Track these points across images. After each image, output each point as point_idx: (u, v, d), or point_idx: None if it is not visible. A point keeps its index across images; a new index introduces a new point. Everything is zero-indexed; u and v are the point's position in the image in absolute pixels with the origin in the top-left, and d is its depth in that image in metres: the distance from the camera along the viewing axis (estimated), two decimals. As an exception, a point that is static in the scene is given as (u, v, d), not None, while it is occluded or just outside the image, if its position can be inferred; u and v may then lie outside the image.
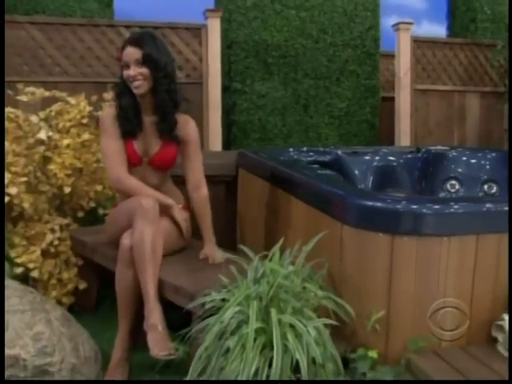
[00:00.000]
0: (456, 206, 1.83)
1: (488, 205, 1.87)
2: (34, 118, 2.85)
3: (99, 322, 2.69)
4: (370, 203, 1.85)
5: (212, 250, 2.47)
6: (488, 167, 3.66)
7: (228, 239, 2.93)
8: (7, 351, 2.04)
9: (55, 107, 2.97)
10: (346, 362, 1.83)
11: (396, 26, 4.59)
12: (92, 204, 3.05)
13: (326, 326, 1.80)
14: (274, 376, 1.62)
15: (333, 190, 2.03)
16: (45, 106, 3.03)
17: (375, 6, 4.77)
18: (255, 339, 1.68)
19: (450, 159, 3.70)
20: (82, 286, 2.85)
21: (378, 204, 1.83)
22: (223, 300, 1.82)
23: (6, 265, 2.62)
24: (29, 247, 2.72)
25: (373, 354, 1.75)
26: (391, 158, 3.62)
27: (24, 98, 3.01)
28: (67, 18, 3.96)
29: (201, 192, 2.56)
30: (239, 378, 1.62)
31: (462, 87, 4.80)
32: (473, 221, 1.82)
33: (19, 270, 2.60)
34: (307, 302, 1.79)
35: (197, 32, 4.11)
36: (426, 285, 1.82)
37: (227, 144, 4.41)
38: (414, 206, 1.81)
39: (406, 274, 1.80)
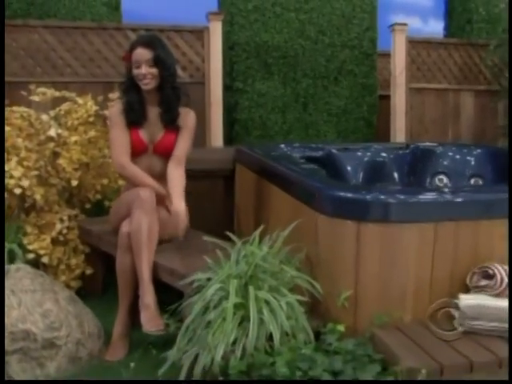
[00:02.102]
0: (416, 196, 2.04)
1: (446, 195, 2.08)
2: (44, 117, 3.11)
3: (105, 305, 2.91)
4: (340, 194, 2.06)
5: (179, 208, 2.60)
6: (474, 162, 3.84)
7: (226, 229, 3.16)
8: (20, 326, 2.29)
9: (64, 106, 3.22)
10: (319, 335, 2.04)
11: (391, 27, 4.76)
12: (98, 196, 3.30)
13: (300, 303, 2.02)
14: (250, 344, 1.84)
15: (309, 182, 2.25)
16: (55, 106, 3.28)
17: (373, 8, 4.95)
18: (234, 313, 1.91)
19: (438, 155, 3.89)
20: (89, 271, 3.09)
21: (346, 194, 2.05)
22: (208, 279, 2.05)
23: (19, 251, 2.87)
24: (40, 235, 2.97)
25: (340, 327, 1.96)
26: (381, 154, 3.81)
27: (36, 98, 3.26)
28: (77, 21, 4.20)
29: (179, 169, 2.73)
30: (219, 347, 1.84)
31: (456, 86, 4.97)
32: (431, 210, 2.03)
33: (31, 256, 2.85)
34: (283, 281, 2.01)
35: (200, 34, 4.33)
36: (389, 267, 2.03)
37: (229, 141, 4.63)
38: (377, 196, 2.02)
39: (371, 258, 2.01)
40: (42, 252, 2.90)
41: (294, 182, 2.41)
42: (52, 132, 3.05)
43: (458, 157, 3.88)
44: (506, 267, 2.04)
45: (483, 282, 2.05)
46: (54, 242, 3.00)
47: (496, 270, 2.02)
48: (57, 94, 3.31)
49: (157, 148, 2.76)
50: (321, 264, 2.14)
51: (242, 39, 4.61)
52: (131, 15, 4.74)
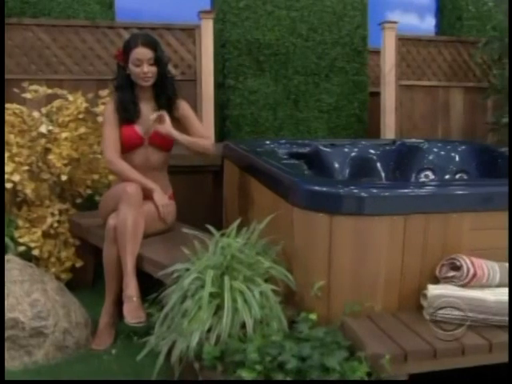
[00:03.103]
0: (386, 190, 2.12)
1: (415, 189, 2.16)
2: (36, 114, 3.20)
3: (94, 296, 3.00)
4: (312, 187, 2.15)
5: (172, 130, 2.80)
6: (460, 158, 3.90)
7: (215, 222, 3.26)
8: (8, 315, 2.39)
9: (56, 103, 3.30)
10: (295, 323, 2.12)
11: (382, 25, 4.82)
12: (89, 191, 3.39)
13: (275, 293, 2.11)
14: (224, 332, 1.93)
15: (285, 176, 2.33)
16: (49, 103, 3.36)
17: (364, 6, 5.01)
18: (210, 302, 1.99)
19: (424, 151, 3.95)
20: (79, 264, 3.18)
21: (319, 188, 2.13)
22: (187, 270, 2.13)
23: (11, 244, 2.96)
24: (31, 229, 3.06)
25: (313, 316, 2.04)
26: (367, 150, 3.88)
27: (28, 96, 3.35)
28: (71, 20, 4.28)
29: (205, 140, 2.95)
30: (194, 334, 1.93)
31: (446, 83, 5.03)
32: (401, 203, 2.11)
33: (21, 249, 2.94)
34: (258, 272, 2.09)
35: (191, 32, 4.39)
36: (360, 259, 2.11)
37: (222, 137, 4.70)
38: (348, 190, 2.10)
39: (343, 250, 2.09)
40: (32, 245, 2.99)
41: (272, 177, 2.49)
42: (43, 128, 3.14)
43: (443, 153, 3.94)
44: (474, 259, 2.12)
45: (451, 273, 2.13)
46: (45, 235, 3.09)
47: (463, 262, 2.09)
48: (49, 91, 3.40)
49: (152, 139, 2.86)
50: (296, 255, 2.22)
51: (233, 37, 4.68)
52: (125, 13, 4.81)
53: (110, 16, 4.60)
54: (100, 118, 3.32)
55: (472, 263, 2.09)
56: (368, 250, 2.09)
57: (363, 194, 2.08)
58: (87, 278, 3.27)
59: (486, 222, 2.21)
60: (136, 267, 2.55)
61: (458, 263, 2.11)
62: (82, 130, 3.21)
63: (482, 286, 2.10)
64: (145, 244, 2.67)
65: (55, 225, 3.13)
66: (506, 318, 2.03)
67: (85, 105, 3.25)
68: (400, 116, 4.91)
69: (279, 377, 1.72)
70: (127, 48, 2.82)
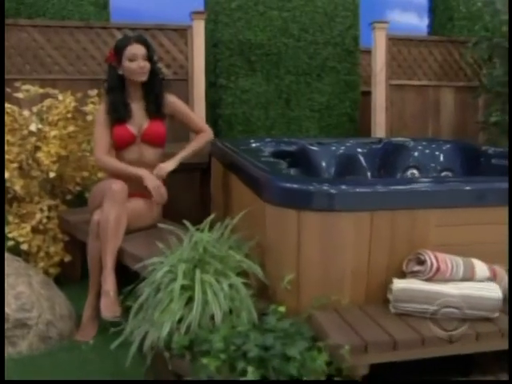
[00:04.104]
0: (352, 187, 2.19)
1: (381, 186, 2.22)
2: (26, 113, 3.29)
3: (82, 290, 3.05)
4: (282, 184, 2.22)
5: (164, 165, 2.95)
6: (445, 157, 3.96)
7: (203, 218, 3.33)
8: (-8, 306, 2.47)
9: (46, 103, 3.39)
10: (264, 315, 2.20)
11: (372, 25, 4.88)
12: (78, 188, 3.48)
13: (248, 286, 2.19)
14: (194, 323, 2.01)
15: (259, 174, 2.41)
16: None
17: (355, 7, 5.06)
18: (182, 294, 2.07)
19: (409, 149, 4.02)
20: (67, 258, 3.28)
21: (288, 185, 2.21)
22: (162, 263, 2.21)
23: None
24: (20, 224, 3.16)
25: (282, 309, 2.11)
26: (353, 148, 3.95)
27: (20, 95, 3.45)
28: (65, 20, 4.36)
29: (201, 133, 3.16)
30: (165, 325, 2.01)
31: (437, 82, 5.09)
32: (367, 200, 2.18)
33: (10, 243, 3.04)
34: (229, 266, 2.17)
35: (183, 33, 4.48)
36: (328, 253, 2.18)
37: (214, 136, 4.77)
38: (315, 186, 2.17)
39: (311, 245, 2.17)
40: (21, 239, 3.09)
41: (249, 174, 2.57)
42: (32, 127, 3.23)
43: (429, 151, 4.01)
44: (438, 254, 2.19)
45: (416, 268, 2.19)
46: (34, 230, 3.18)
47: (427, 257, 2.16)
48: (41, 90, 3.49)
49: (144, 136, 2.97)
50: (269, 250, 2.30)
51: (225, 37, 4.75)
52: (121, 13, 4.90)
53: (105, 16, 4.68)
54: (89, 117, 3.42)
55: (436, 258, 2.15)
56: (335, 245, 2.17)
57: (329, 191, 2.15)
58: (76, 272, 3.36)
59: (453, 219, 2.28)
60: (117, 261, 2.63)
61: (422, 258, 2.18)
62: (71, 128, 3.30)
63: (446, 280, 2.16)
64: (128, 239, 2.76)
65: (44, 220, 3.22)
66: (469, 311, 2.09)
67: (73, 104, 3.34)
68: (391, 115, 4.97)
69: (242, 365, 1.80)
70: (121, 46, 2.93)
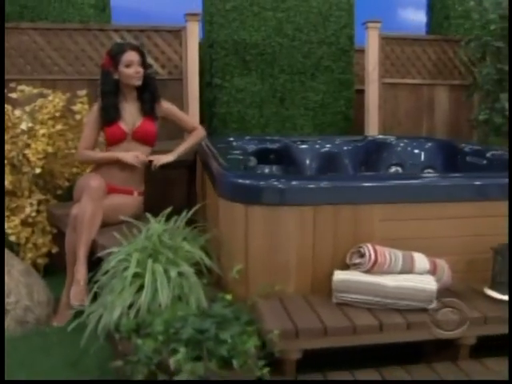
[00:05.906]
0: (295, 182, 2.31)
1: (324, 182, 2.34)
2: (17, 112, 3.50)
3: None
4: (232, 180, 2.36)
5: (164, 156, 3.19)
6: (427, 155, 4.04)
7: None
8: (-29, 292, 2.67)
9: (38, 102, 3.59)
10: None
11: (365, 25, 4.96)
12: (68, 183, 3.68)
13: (200, 275, 2.34)
14: (142, 308, 2.17)
15: (216, 170, 2.55)
16: (40, 101, 3.66)
17: (350, 6, 5.13)
18: (134, 281, 2.23)
19: (392, 147, 4.11)
20: (55, 250, 3.47)
21: (236, 180, 2.34)
22: (118, 252, 2.38)
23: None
24: (10, 217, 3.37)
25: (228, 297, 2.25)
26: (337, 146, 4.06)
27: (14, 95, 3.66)
28: (65, 23, 4.57)
29: (195, 131, 3.38)
30: (116, 309, 2.17)
31: (431, 80, 5.13)
32: (310, 195, 2.29)
33: (-2, 235, 3.25)
34: (180, 255, 2.32)
35: (178, 34, 4.65)
36: (273, 246, 2.31)
37: (209, 134, 4.93)
38: (260, 182, 2.30)
39: (257, 237, 2.30)
40: (9, 231, 3.29)
41: (210, 170, 2.71)
42: (23, 125, 3.43)
43: (411, 149, 4.09)
44: (378, 247, 2.29)
45: (358, 260, 2.31)
46: (23, 223, 3.39)
47: (366, 250, 2.27)
48: (35, 91, 3.69)
49: (135, 134, 3.17)
50: (222, 242, 2.44)
51: (220, 37, 4.88)
52: (120, 14, 5.08)
53: (105, 18, 4.88)
54: (78, 116, 3.61)
55: (375, 251, 2.26)
56: (279, 238, 2.29)
57: (274, 187, 2.28)
58: (63, 262, 3.55)
59: (397, 214, 2.38)
60: (90, 253, 2.81)
61: (362, 251, 2.29)
62: (59, 126, 3.49)
63: (384, 272, 2.27)
64: (103, 232, 2.93)
65: (33, 214, 3.42)
66: (403, 302, 2.20)
67: (62, 103, 3.53)
68: (384, 113, 5.05)
69: (176, 345, 1.94)
70: (117, 53, 3.14)
